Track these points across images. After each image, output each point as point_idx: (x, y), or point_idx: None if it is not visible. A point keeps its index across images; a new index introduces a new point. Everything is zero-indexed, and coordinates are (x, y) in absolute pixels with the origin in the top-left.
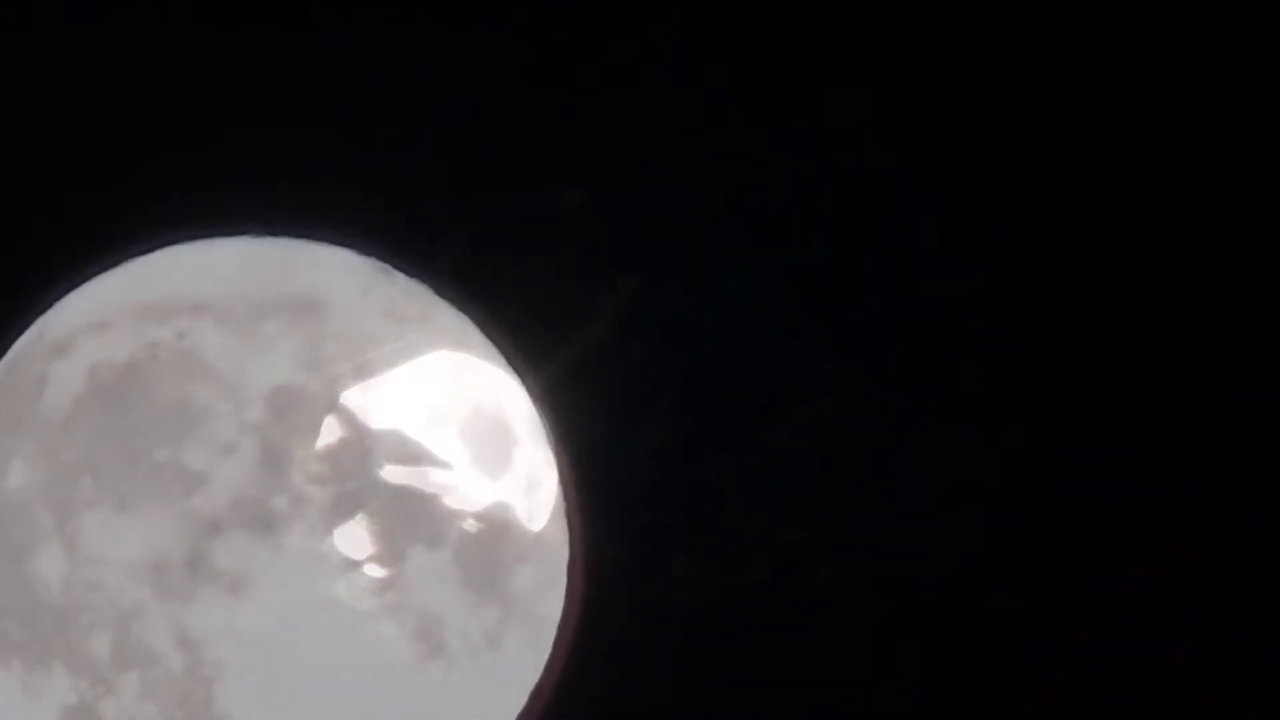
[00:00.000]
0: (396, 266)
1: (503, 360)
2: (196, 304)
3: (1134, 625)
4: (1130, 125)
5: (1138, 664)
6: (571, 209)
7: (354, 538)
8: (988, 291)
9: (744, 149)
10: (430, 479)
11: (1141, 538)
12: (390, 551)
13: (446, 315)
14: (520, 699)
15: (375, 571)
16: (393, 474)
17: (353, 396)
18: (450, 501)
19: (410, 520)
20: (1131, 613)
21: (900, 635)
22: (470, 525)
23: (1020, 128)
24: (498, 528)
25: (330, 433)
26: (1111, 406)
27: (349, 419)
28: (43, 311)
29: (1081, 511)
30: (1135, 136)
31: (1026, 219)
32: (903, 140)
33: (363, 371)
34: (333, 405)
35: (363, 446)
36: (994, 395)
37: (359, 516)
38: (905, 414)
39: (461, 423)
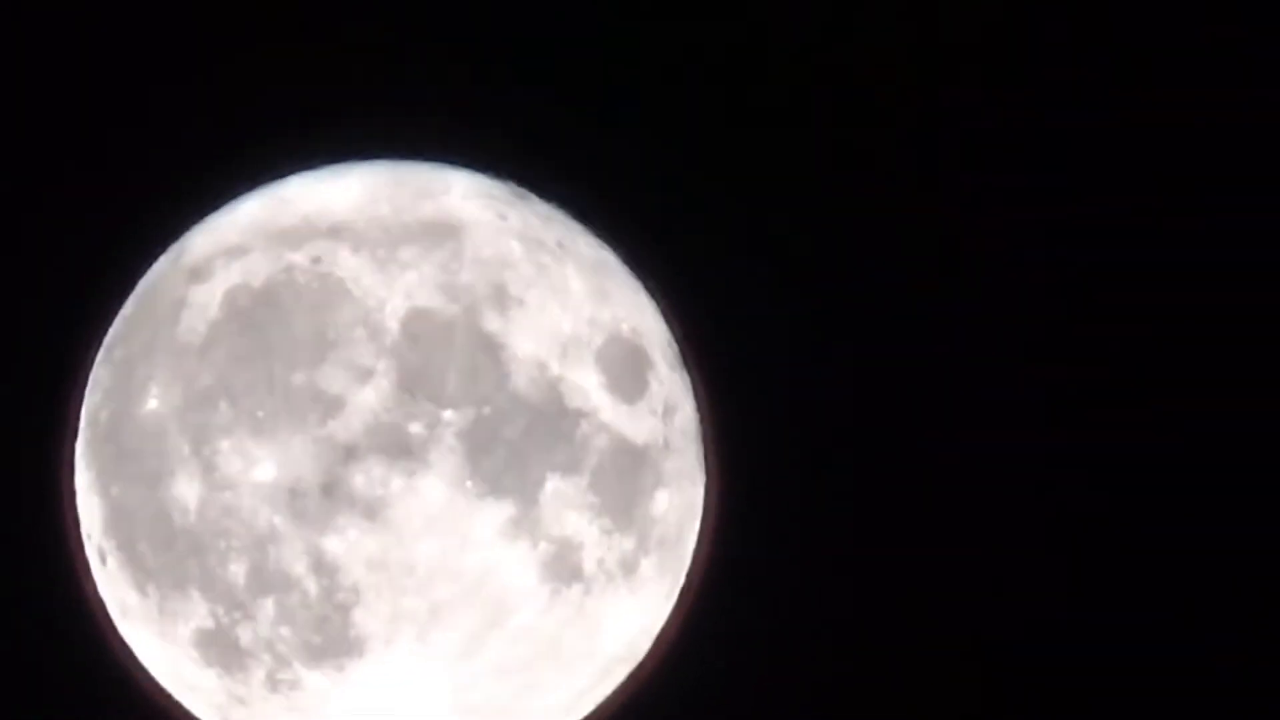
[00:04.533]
0: (534, 191)
1: (640, 286)
2: (332, 228)
3: None
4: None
5: None
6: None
7: (491, 463)
8: None
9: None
10: (567, 405)
11: None
12: (527, 477)
13: (584, 240)
14: (656, 625)
15: (512, 497)
16: (530, 400)
17: (490, 321)
18: (587, 427)
19: (547, 446)
20: None
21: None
22: (607, 451)
23: None
24: (635, 454)
25: (467, 358)
26: None
27: (486, 344)
28: (179, 236)
29: None
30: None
31: None
32: None
33: (500, 296)
34: (470, 330)
35: (499, 372)
36: None
37: (496, 442)
38: None
39: (599, 348)
